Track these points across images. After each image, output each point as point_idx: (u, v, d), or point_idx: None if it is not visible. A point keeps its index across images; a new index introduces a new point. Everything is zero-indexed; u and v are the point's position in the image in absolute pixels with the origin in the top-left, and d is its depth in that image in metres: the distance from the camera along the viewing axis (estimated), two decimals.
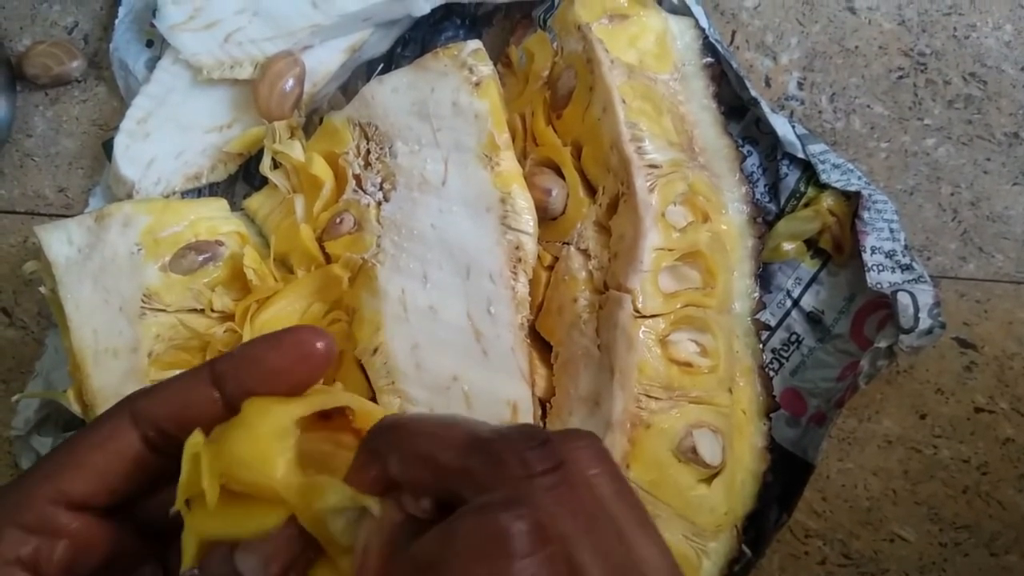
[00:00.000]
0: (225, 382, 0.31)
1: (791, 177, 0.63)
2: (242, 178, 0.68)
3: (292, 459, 0.30)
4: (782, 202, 0.63)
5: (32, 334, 0.69)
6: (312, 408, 0.31)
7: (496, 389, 0.53)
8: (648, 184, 0.53)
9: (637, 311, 0.52)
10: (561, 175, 0.58)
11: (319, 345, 0.31)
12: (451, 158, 0.57)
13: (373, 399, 0.55)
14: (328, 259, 0.59)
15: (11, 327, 0.69)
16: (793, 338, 0.63)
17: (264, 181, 0.65)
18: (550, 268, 0.57)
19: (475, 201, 0.56)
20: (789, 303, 0.63)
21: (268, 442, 0.30)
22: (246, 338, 0.57)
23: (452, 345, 0.54)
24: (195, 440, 0.30)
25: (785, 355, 0.63)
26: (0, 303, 0.69)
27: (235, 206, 0.65)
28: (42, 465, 0.31)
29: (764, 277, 0.62)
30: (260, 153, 0.64)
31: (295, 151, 0.61)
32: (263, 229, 0.63)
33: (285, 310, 0.59)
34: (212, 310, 0.59)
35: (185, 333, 0.58)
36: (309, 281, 0.59)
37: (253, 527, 0.30)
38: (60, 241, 0.58)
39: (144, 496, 0.32)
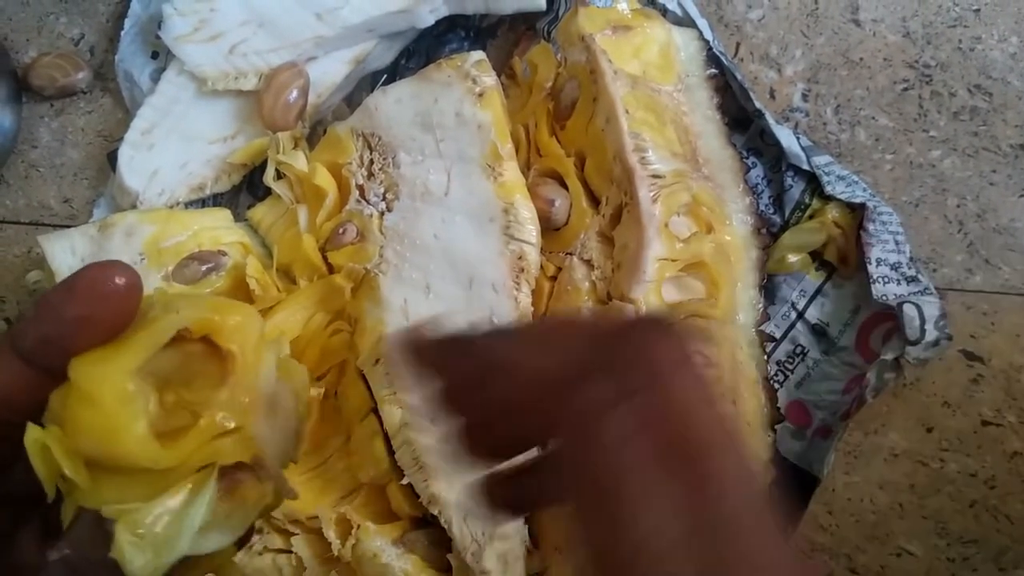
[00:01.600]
0: (30, 349, 0.28)
1: (796, 189, 0.63)
2: (246, 189, 0.68)
3: (146, 424, 0.27)
4: (787, 214, 0.63)
5: None
6: (145, 353, 0.28)
7: None
8: (651, 194, 0.53)
9: None
10: (564, 186, 0.58)
11: (118, 280, 0.28)
12: (454, 168, 0.57)
13: (375, 410, 0.55)
14: (331, 269, 0.59)
15: None
16: (798, 350, 0.63)
17: (268, 192, 0.65)
18: (553, 279, 0.57)
19: (478, 211, 0.55)
20: (794, 315, 0.63)
21: (115, 413, 0.27)
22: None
23: None
24: (33, 436, 0.27)
25: (790, 367, 0.63)
26: (3, 313, 0.69)
27: (239, 217, 0.65)
28: None
29: (769, 289, 0.62)
30: (264, 164, 0.64)
31: (299, 162, 0.61)
32: (266, 239, 0.63)
33: (288, 320, 0.58)
34: None
35: None
36: (312, 291, 0.59)
37: (133, 497, 0.28)
38: (64, 251, 0.58)
39: None
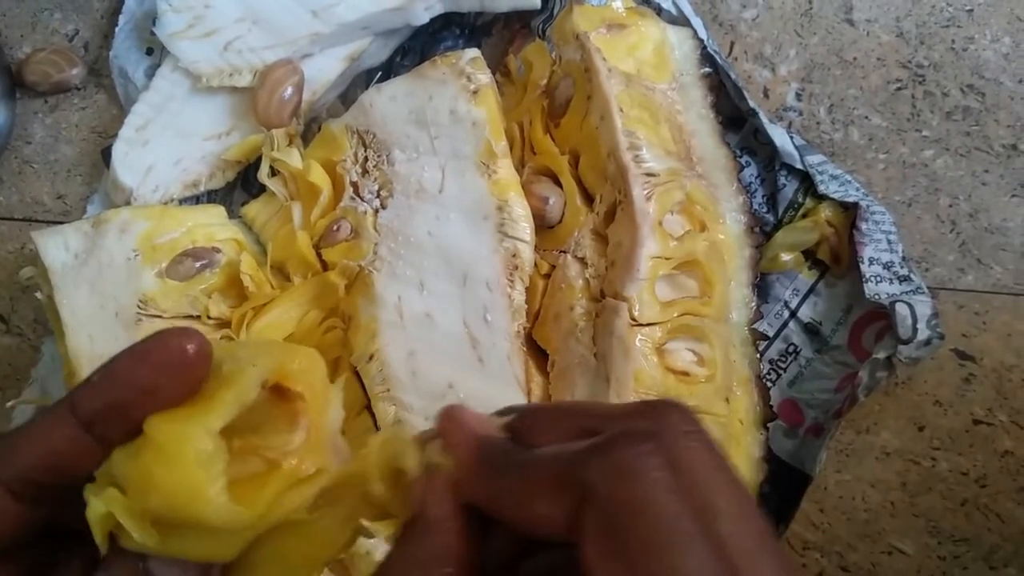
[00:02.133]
0: (91, 414, 0.27)
1: (789, 188, 0.63)
2: (240, 186, 0.68)
3: (224, 484, 0.26)
4: (780, 213, 0.63)
5: (28, 341, 0.69)
6: (232, 411, 0.27)
7: (492, 397, 0.53)
8: (645, 192, 0.53)
9: (634, 319, 0.52)
10: (559, 183, 0.58)
11: (190, 348, 0.27)
12: (448, 166, 0.57)
13: (368, 407, 0.55)
14: (325, 266, 0.59)
15: (7, 334, 0.69)
16: (791, 349, 0.63)
17: (262, 189, 0.65)
18: (547, 276, 0.57)
19: (472, 209, 0.56)
20: (787, 314, 0.63)
21: (194, 473, 0.26)
22: None
23: (448, 353, 0.54)
24: (96, 509, 0.27)
25: (783, 366, 0.63)
26: None
27: (233, 214, 0.65)
28: None
29: (762, 288, 0.62)
30: (258, 161, 0.64)
31: (293, 159, 0.61)
32: (260, 237, 0.63)
33: (281, 317, 0.58)
34: (208, 317, 0.59)
35: None
36: (306, 288, 0.59)
37: (204, 553, 0.28)
38: (57, 247, 0.58)
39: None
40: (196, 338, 0.27)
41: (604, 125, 0.55)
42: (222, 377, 0.28)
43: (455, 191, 0.56)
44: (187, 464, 0.26)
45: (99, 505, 0.26)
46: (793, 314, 0.63)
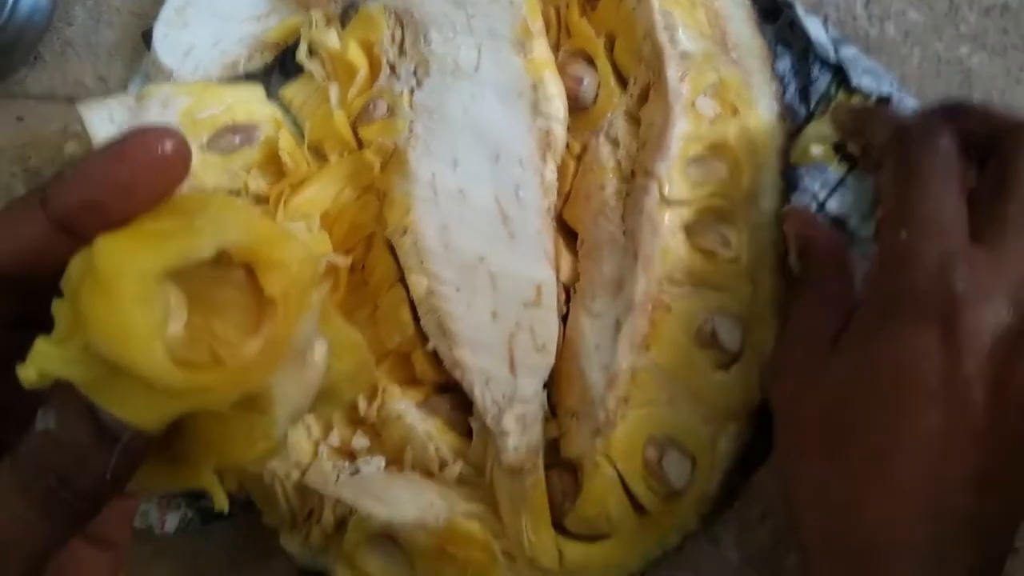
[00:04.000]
0: (65, 212, 0.27)
1: (822, 81, 0.63)
2: (278, 70, 0.69)
3: (162, 334, 0.25)
4: (812, 105, 0.63)
5: None
6: (175, 260, 0.26)
7: (521, 270, 0.55)
8: (679, 73, 0.54)
9: (663, 197, 0.53)
10: (594, 66, 0.58)
11: (168, 146, 0.27)
12: (484, 44, 0.57)
13: (402, 279, 0.57)
14: (361, 145, 0.60)
15: None
16: None
17: (299, 73, 0.66)
18: (578, 158, 0.58)
19: (507, 87, 0.56)
20: (815, 206, 0.64)
21: (130, 312, 0.25)
22: (279, 221, 0.58)
23: (480, 227, 0.56)
24: (41, 349, 0.26)
25: None
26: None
27: (271, 97, 0.66)
28: None
29: (791, 180, 0.62)
30: (296, 44, 0.65)
31: (331, 39, 0.62)
32: (297, 118, 0.64)
33: (318, 194, 0.60)
34: (247, 192, 0.60)
35: None
36: (342, 166, 0.60)
37: (133, 411, 0.26)
38: (102, 119, 0.60)
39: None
40: (176, 138, 0.27)
41: (641, 6, 0.56)
42: (191, 225, 0.26)
43: (491, 70, 0.57)
44: (124, 300, 0.25)
45: (44, 344, 0.26)
46: (821, 206, 0.64)
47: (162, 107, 0.60)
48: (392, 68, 0.60)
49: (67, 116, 0.71)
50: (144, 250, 0.25)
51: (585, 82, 0.57)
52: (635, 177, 0.55)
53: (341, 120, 0.60)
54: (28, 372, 0.26)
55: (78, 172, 0.27)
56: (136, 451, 0.27)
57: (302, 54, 0.63)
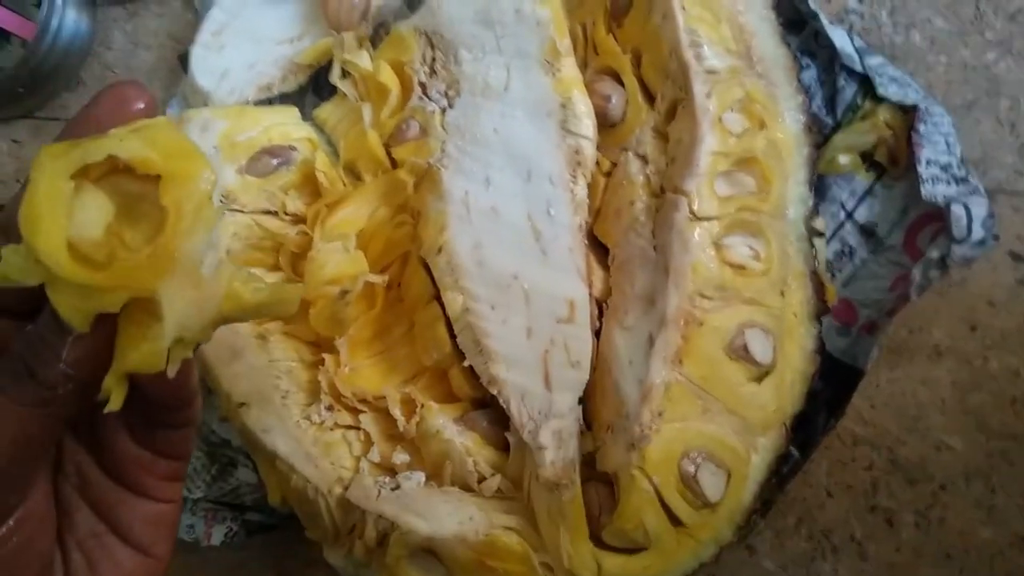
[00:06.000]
0: None
1: (848, 90, 0.63)
2: (312, 90, 0.70)
3: (63, 227, 0.28)
4: (839, 115, 0.64)
5: None
6: (80, 159, 0.29)
7: (554, 287, 0.56)
8: (706, 89, 0.55)
9: (692, 213, 0.54)
10: (621, 83, 0.59)
11: (138, 105, 0.33)
12: (513, 64, 0.58)
13: (437, 297, 0.58)
14: (394, 164, 0.62)
15: None
16: (846, 250, 0.64)
17: (332, 93, 0.67)
18: (608, 174, 0.59)
19: (536, 106, 0.57)
20: (843, 215, 0.64)
21: (40, 205, 0.28)
22: (316, 240, 0.60)
23: (513, 244, 0.57)
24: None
25: (838, 267, 0.64)
26: None
27: (305, 117, 0.68)
28: None
29: (819, 189, 0.63)
30: (329, 65, 0.66)
31: (363, 61, 0.63)
32: (331, 138, 0.66)
33: (353, 213, 0.61)
34: (285, 212, 0.62)
35: (259, 233, 0.61)
36: (376, 186, 0.61)
37: (62, 312, 0.29)
38: None
39: None
40: (145, 97, 0.33)
41: (666, 24, 0.56)
42: (110, 134, 0.29)
43: (520, 89, 0.58)
44: (39, 194, 0.28)
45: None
46: (850, 215, 0.64)
47: (201, 130, 0.61)
48: (423, 88, 0.61)
49: None
50: (61, 155, 0.29)
51: (613, 99, 0.58)
52: (664, 193, 0.56)
53: (375, 140, 0.61)
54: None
55: (69, 123, 0.34)
56: (85, 348, 0.31)
57: (335, 75, 0.64)
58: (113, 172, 0.30)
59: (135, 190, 0.30)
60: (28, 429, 0.31)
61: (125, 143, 0.29)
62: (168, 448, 0.38)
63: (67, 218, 0.28)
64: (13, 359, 0.31)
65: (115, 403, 0.31)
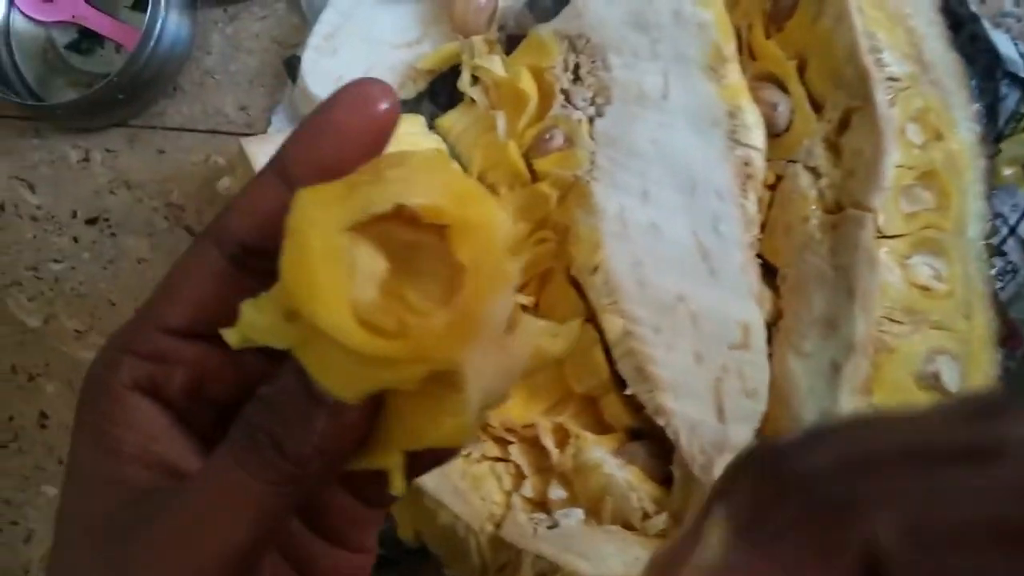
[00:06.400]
0: (293, 169, 0.27)
1: (1011, 98, 0.60)
2: (428, 98, 0.67)
3: (348, 292, 0.24)
4: (1000, 125, 0.60)
5: None
6: (356, 214, 0.24)
7: (725, 310, 0.52)
8: (888, 98, 0.51)
9: (879, 231, 0.50)
10: (784, 90, 0.55)
11: (382, 105, 0.27)
12: (672, 70, 0.54)
13: (592, 319, 0.54)
14: (534, 177, 0.58)
15: None
16: (1009, 267, 0.60)
17: (449, 101, 0.64)
18: (771, 187, 0.55)
19: (700, 115, 0.54)
20: (1006, 231, 0.60)
21: (318, 265, 0.23)
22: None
23: (677, 263, 0.53)
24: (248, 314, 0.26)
25: (1000, 285, 0.60)
26: (184, 221, 0.68)
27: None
28: (150, 298, 0.29)
29: None
30: (448, 73, 0.62)
31: (496, 66, 0.59)
32: (455, 148, 0.62)
33: None
34: None
35: None
36: (514, 199, 0.57)
37: (328, 373, 0.25)
38: (267, 155, 0.56)
39: None
40: (390, 96, 0.27)
41: (840, 27, 0.53)
42: (381, 178, 0.25)
43: (680, 97, 0.54)
44: (310, 253, 0.23)
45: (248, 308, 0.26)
46: (1012, 231, 0.60)
47: None
48: (567, 96, 0.57)
49: (208, 148, 0.69)
50: (333, 203, 0.24)
51: (780, 108, 0.54)
52: (842, 209, 0.52)
53: (514, 151, 0.57)
54: (231, 336, 0.27)
55: (296, 130, 0.28)
56: (346, 422, 0.26)
57: (464, 82, 0.60)
58: (382, 219, 0.25)
59: (408, 239, 0.25)
60: (270, 508, 0.27)
61: (412, 188, 0.24)
62: (373, 493, 0.34)
63: (349, 279, 0.24)
64: (251, 428, 0.27)
65: (400, 486, 0.27)
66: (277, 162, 0.28)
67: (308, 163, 0.27)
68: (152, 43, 0.65)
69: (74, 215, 0.69)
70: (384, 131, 0.28)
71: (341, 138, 0.27)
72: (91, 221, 0.69)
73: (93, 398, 0.29)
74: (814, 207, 0.53)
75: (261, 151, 0.57)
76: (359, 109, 0.28)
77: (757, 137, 0.53)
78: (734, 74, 0.54)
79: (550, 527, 0.51)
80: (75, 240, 0.69)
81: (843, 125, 0.53)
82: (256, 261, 0.28)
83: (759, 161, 0.53)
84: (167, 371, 0.29)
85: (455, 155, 0.62)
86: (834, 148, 0.53)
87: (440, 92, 0.65)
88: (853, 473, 0.20)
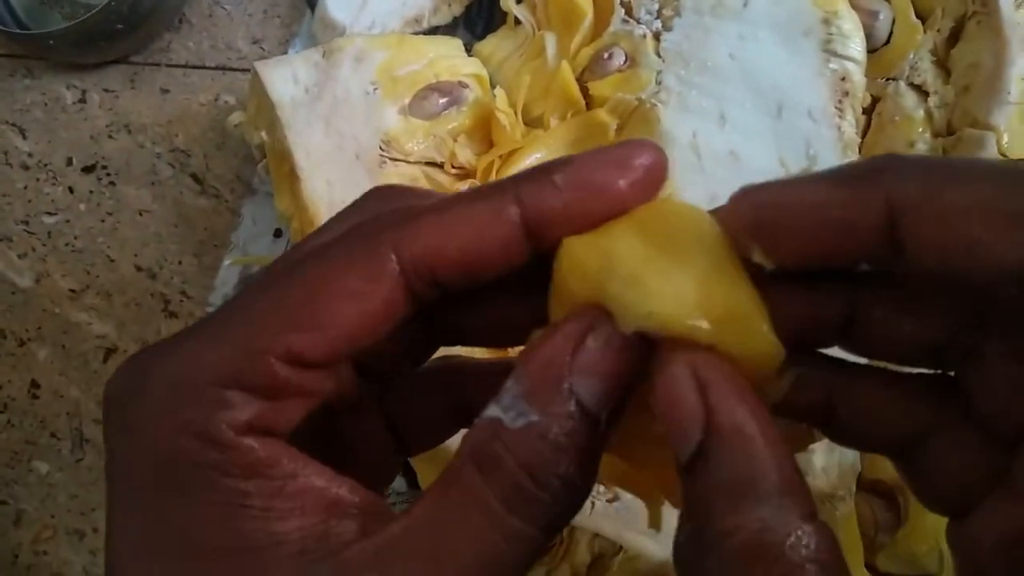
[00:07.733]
0: (542, 215, 0.23)
1: None
2: (463, 25, 0.59)
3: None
4: None
5: (226, 203, 0.61)
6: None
7: None
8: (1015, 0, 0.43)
9: (1002, 153, 0.43)
10: None
11: (652, 164, 0.23)
12: None
13: None
14: (589, 104, 0.50)
15: (202, 195, 0.61)
16: None
17: (486, 28, 0.57)
18: (868, 109, 0.48)
19: (788, 24, 0.46)
20: None
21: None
22: None
23: None
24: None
25: None
26: (189, 169, 0.61)
27: None
28: (268, 317, 0.23)
29: None
30: None
31: None
32: (495, 77, 0.55)
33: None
34: (452, 165, 0.51)
35: (427, 187, 0.50)
36: (566, 130, 0.50)
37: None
38: (285, 79, 0.50)
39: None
40: (656, 152, 0.24)
41: None
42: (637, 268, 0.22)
43: (764, 4, 0.47)
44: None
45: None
46: None
47: (356, 63, 0.50)
48: (627, 10, 0.50)
49: (217, 87, 0.62)
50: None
51: (881, 16, 0.47)
52: (953, 131, 0.44)
53: (567, 73, 0.50)
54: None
55: (565, 177, 0.23)
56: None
57: (509, 1, 0.53)
58: None
59: None
60: (530, 558, 0.23)
61: (654, 311, 0.21)
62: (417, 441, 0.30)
63: None
64: (503, 464, 0.22)
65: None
66: (517, 196, 0.24)
67: (562, 219, 0.23)
68: None
69: (69, 163, 0.62)
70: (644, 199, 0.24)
71: (612, 203, 0.23)
72: (88, 169, 0.62)
73: (191, 455, 0.22)
74: (921, 130, 0.45)
75: (278, 76, 0.50)
76: (635, 182, 0.23)
77: (856, 47, 0.45)
78: None
79: (609, 500, 0.44)
80: (70, 190, 0.62)
81: (953, 37, 0.46)
82: (430, 291, 0.24)
83: (858, 76, 0.45)
84: (280, 406, 0.23)
85: (496, 83, 0.55)
86: (941, 63, 0.46)
87: (476, 19, 0.58)
88: None
